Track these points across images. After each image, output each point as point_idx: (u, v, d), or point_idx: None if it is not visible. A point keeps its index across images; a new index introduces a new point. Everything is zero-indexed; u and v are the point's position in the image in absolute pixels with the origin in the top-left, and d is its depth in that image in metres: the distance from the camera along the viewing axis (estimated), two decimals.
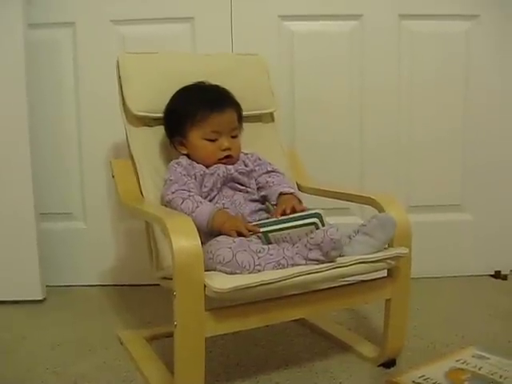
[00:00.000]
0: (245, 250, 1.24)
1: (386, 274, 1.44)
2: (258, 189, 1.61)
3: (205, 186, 1.53)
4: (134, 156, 1.63)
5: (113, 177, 1.63)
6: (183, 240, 1.16)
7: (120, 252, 2.30)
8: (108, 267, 2.30)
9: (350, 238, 1.32)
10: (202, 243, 1.20)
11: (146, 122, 1.69)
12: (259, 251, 1.25)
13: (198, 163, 1.57)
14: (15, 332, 1.83)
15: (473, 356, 1.52)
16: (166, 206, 1.48)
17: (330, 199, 1.64)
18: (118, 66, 1.68)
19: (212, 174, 1.54)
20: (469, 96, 2.21)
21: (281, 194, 1.54)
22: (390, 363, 1.53)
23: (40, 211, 2.09)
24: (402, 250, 1.36)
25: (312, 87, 2.19)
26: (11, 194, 2.02)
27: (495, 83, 2.21)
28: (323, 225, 1.29)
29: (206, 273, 1.19)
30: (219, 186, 1.54)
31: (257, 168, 1.63)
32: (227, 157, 1.58)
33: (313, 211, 1.33)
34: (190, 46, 2.17)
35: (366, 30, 2.17)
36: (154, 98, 1.67)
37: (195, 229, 1.19)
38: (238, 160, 1.62)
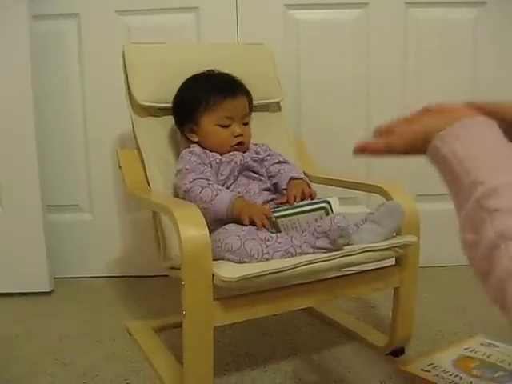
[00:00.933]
0: (253, 239, 1.25)
1: (394, 263, 1.44)
2: (269, 177, 1.60)
3: (221, 174, 1.52)
4: (141, 146, 1.63)
5: (119, 167, 1.63)
6: (191, 229, 1.16)
7: (127, 243, 2.30)
8: (115, 258, 2.31)
9: (358, 227, 1.32)
10: (210, 232, 1.20)
11: (152, 111, 1.68)
12: (268, 239, 1.25)
13: (210, 151, 1.55)
14: (23, 324, 1.83)
15: (481, 344, 1.53)
16: (182, 196, 1.46)
17: (337, 188, 1.64)
18: (123, 56, 1.67)
19: (229, 162, 1.52)
20: (475, 83, 2.20)
21: (291, 178, 1.55)
22: (398, 352, 1.53)
23: (47, 203, 2.10)
24: (410, 238, 1.35)
25: (318, 76, 2.19)
26: (18, 186, 2.02)
27: (501, 70, 2.19)
28: (332, 212, 1.29)
29: (214, 262, 1.19)
30: (236, 174, 1.52)
31: (268, 157, 1.63)
32: (239, 143, 1.56)
33: (323, 198, 1.34)
34: (195, 35, 2.16)
35: (371, 18, 2.16)
36: (160, 88, 1.66)
37: (203, 218, 1.19)
38: (248, 148, 1.61)
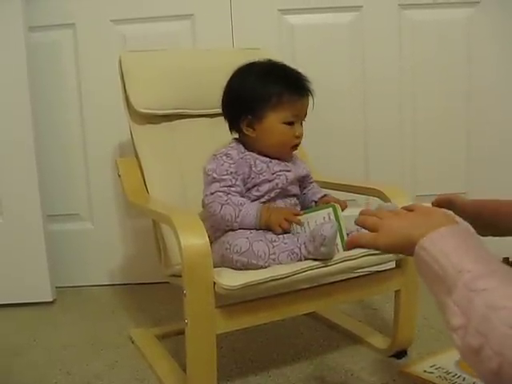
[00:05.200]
0: (261, 240, 1.26)
1: (394, 266, 1.44)
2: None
3: (258, 191, 1.42)
4: (139, 153, 1.64)
5: (119, 176, 1.64)
6: (191, 237, 1.17)
7: (128, 251, 2.30)
8: (117, 266, 2.31)
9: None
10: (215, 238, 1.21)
11: (150, 118, 1.69)
12: (274, 240, 1.27)
13: (248, 149, 1.46)
14: (26, 334, 1.84)
15: None
16: (204, 206, 1.41)
17: (337, 191, 1.64)
18: (120, 65, 1.68)
19: (270, 182, 1.43)
20: (471, 83, 2.20)
21: (324, 195, 1.52)
22: (401, 354, 1.53)
23: (47, 213, 2.10)
24: None
25: (314, 80, 2.17)
26: (18, 197, 2.02)
27: (497, 69, 2.20)
28: (337, 217, 1.31)
29: (215, 269, 1.20)
30: (273, 195, 1.43)
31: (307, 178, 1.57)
32: (296, 145, 1.48)
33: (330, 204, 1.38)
34: (191, 42, 2.16)
35: (366, 21, 2.16)
36: (157, 95, 1.67)
37: (203, 226, 1.20)
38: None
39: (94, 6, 2.15)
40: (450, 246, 0.75)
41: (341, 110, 2.21)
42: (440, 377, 1.37)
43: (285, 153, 1.48)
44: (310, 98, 1.52)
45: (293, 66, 2.04)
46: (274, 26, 2.16)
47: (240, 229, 1.33)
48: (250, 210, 1.34)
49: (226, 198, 1.36)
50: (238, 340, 1.68)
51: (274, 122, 1.43)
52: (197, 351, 1.21)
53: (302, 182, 1.56)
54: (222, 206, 1.35)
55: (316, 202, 1.52)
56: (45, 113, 2.16)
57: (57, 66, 2.20)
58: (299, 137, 1.47)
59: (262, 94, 1.43)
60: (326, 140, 2.20)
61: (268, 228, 1.33)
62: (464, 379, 1.36)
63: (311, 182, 1.59)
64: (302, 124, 1.49)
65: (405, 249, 0.83)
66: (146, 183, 1.62)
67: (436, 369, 1.41)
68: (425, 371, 1.40)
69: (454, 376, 1.37)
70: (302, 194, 1.56)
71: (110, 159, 2.17)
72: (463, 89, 2.20)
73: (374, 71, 2.18)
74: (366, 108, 2.21)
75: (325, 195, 1.53)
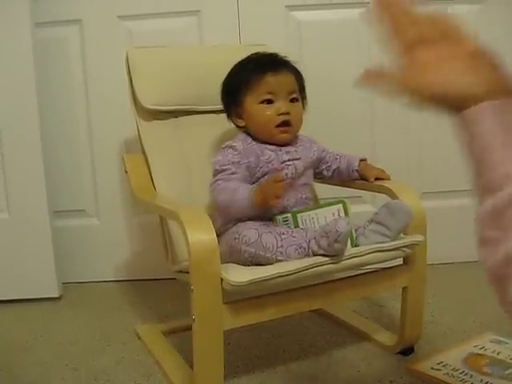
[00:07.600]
0: (270, 232, 1.26)
1: (401, 262, 1.44)
2: (326, 167, 1.60)
3: None
4: (146, 150, 1.64)
5: (126, 172, 1.64)
6: (199, 233, 1.17)
7: (134, 247, 2.31)
8: (123, 262, 2.31)
9: (365, 228, 1.32)
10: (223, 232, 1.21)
11: (157, 115, 1.69)
12: (283, 233, 1.26)
13: (255, 140, 1.47)
14: (33, 330, 1.84)
15: (491, 341, 1.53)
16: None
17: (342, 188, 1.64)
18: (127, 61, 1.68)
19: (279, 171, 1.43)
20: None
21: (361, 160, 1.56)
22: (407, 351, 1.53)
23: (53, 209, 2.10)
24: (417, 238, 1.35)
25: (321, 76, 2.18)
26: (24, 193, 2.02)
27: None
28: (346, 213, 1.32)
29: (223, 265, 1.20)
30: None
31: (323, 155, 1.61)
32: (285, 123, 1.46)
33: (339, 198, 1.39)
34: (198, 39, 2.16)
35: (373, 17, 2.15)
36: (164, 91, 1.67)
37: (210, 222, 1.20)
38: (297, 137, 1.54)
39: (100, 1, 2.15)
40: (504, 130, 0.59)
41: (348, 106, 2.21)
42: (447, 374, 1.37)
43: (272, 133, 1.46)
44: (294, 74, 1.52)
45: (300, 62, 2.04)
46: (281, 22, 2.15)
47: (249, 220, 1.33)
48: (244, 194, 1.32)
49: (223, 185, 1.37)
50: (244, 337, 1.67)
51: (251, 105, 1.47)
52: (204, 347, 1.21)
53: (318, 164, 1.59)
54: (219, 193, 1.37)
55: (357, 170, 1.55)
56: (51, 108, 2.16)
57: (63, 62, 2.20)
58: (285, 113, 1.45)
59: (236, 83, 1.51)
60: (332, 135, 2.18)
61: (266, 207, 1.29)
62: (471, 376, 1.35)
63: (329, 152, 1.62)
64: (293, 101, 1.49)
65: (450, 106, 0.64)
66: (153, 179, 1.62)
67: (443, 366, 1.41)
68: (432, 368, 1.40)
69: (461, 373, 1.37)
70: (334, 170, 1.60)
71: (116, 155, 2.17)
72: None
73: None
74: (372, 105, 2.21)
75: (361, 160, 1.57)
